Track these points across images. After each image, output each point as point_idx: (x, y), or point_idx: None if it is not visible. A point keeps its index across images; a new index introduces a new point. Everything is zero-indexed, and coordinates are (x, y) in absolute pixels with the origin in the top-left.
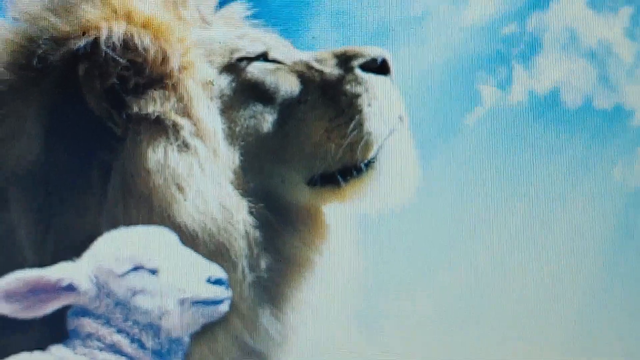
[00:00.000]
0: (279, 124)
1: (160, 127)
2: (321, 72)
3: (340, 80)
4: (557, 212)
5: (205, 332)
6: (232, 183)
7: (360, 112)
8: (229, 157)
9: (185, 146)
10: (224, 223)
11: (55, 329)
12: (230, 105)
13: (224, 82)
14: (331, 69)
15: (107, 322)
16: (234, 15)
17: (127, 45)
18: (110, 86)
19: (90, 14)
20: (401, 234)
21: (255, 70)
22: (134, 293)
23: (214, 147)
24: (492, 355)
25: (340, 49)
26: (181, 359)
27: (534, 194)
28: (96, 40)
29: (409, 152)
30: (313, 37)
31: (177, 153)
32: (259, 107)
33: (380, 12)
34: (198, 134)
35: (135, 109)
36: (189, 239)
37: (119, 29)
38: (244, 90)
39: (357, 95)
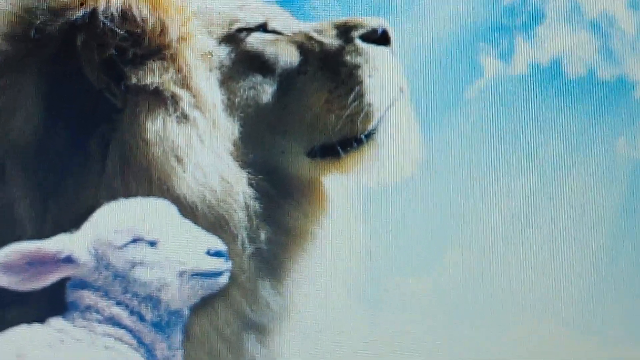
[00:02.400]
0: (278, 95)
1: (159, 99)
2: (321, 43)
3: (340, 51)
4: (560, 183)
5: (204, 304)
6: (231, 154)
7: (360, 83)
8: (228, 129)
9: (184, 117)
10: (223, 195)
11: (54, 301)
12: (229, 76)
13: (223, 52)
14: (331, 40)
15: (106, 295)
16: None
17: (125, 15)
18: (109, 57)
19: None
20: (403, 207)
21: (254, 41)
22: (133, 265)
23: (213, 118)
24: (496, 331)
25: (340, 19)
26: (180, 331)
27: (537, 166)
28: (94, 11)
29: (409, 123)
30: (313, 8)
31: (176, 124)
32: (258, 78)
33: None
34: (197, 105)
35: (134, 80)
36: (188, 210)
37: (117, 0)
38: (244, 61)
39: (358, 66)
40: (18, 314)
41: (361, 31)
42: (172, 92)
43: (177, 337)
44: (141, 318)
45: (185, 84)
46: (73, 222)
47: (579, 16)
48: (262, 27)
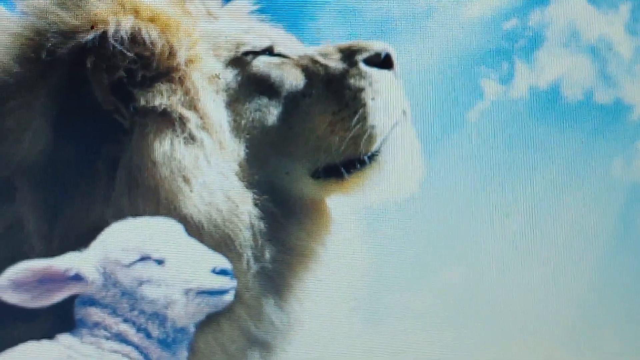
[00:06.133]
0: (283, 117)
1: (166, 120)
2: (326, 66)
3: (344, 74)
4: (557, 205)
5: (210, 321)
6: (237, 175)
7: (364, 105)
8: (234, 150)
9: (191, 139)
10: (229, 214)
11: (62, 318)
12: (236, 99)
13: (229, 75)
14: (335, 63)
15: (114, 312)
16: (240, 9)
17: (135, 39)
18: (118, 79)
19: (99, 8)
20: (405, 227)
21: (260, 64)
22: (141, 283)
23: (219, 139)
24: (494, 349)
25: (344, 43)
26: (186, 348)
27: (535, 187)
28: (104, 34)
29: (412, 145)
30: (318, 32)
31: (183, 145)
32: (264, 101)
33: (384, 7)
34: (204, 127)
35: (143, 101)
36: (194, 229)
37: (126, 23)
38: (250, 83)
39: (361, 89)
40: (27, 330)
41: (365, 55)
42: (180, 114)
43: (183, 354)
44: (148, 335)
45: (192, 105)
46: (81, 240)
47: (578, 41)
48: (268, 51)
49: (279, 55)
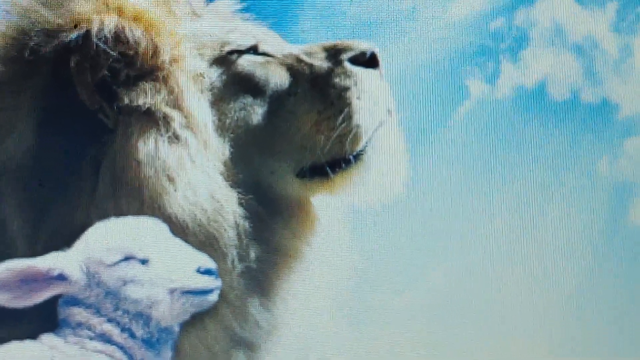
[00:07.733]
0: (268, 116)
1: (150, 119)
2: (311, 65)
3: (329, 73)
4: (543, 205)
5: (194, 321)
6: (222, 174)
7: (349, 104)
8: (219, 149)
9: (175, 138)
10: (213, 214)
11: (46, 318)
12: (220, 98)
13: (214, 74)
14: (321, 62)
15: (98, 312)
16: (224, 8)
17: (119, 37)
18: (102, 78)
19: (82, 6)
20: (390, 227)
21: (245, 63)
22: (124, 283)
23: (204, 138)
24: (481, 351)
25: (329, 42)
26: (171, 348)
27: (521, 187)
28: (88, 33)
29: (397, 145)
30: (303, 31)
31: (167, 145)
32: (248, 100)
33: (369, 7)
34: (188, 126)
35: (126, 101)
36: (179, 229)
37: (110, 22)
38: (234, 82)
39: (346, 88)
40: (10, 330)
41: (350, 54)
42: (164, 113)
43: (168, 354)
44: (132, 335)
45: (177, 104)
46: (65, 240)
47: (563, 40)
48: (253, 50)
49: (264, 54)
